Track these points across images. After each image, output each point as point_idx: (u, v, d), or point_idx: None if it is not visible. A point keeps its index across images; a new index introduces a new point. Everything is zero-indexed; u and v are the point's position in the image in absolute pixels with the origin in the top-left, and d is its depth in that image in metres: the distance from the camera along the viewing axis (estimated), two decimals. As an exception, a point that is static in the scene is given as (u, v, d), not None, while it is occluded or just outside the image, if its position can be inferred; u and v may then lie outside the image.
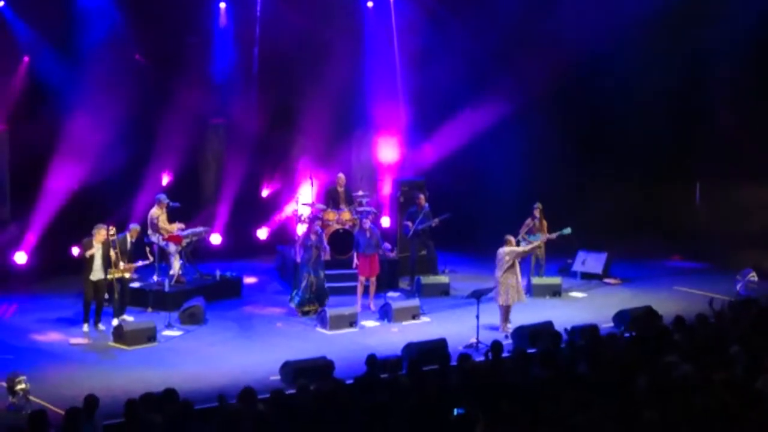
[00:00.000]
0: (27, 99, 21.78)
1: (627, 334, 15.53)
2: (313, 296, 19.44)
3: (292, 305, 19.57)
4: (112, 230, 18.15)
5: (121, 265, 18.25)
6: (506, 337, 17.12)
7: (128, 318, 18.58)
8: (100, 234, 17.88)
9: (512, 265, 18.40)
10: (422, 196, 22.06)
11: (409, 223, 21.87)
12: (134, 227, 18.93)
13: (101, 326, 18.08)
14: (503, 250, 18.47)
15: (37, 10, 21.45)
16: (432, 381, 12.69)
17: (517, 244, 21.15)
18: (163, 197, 20.34)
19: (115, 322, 18.10)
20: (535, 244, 20.17)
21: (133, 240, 18.83)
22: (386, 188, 25.15)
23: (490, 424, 10.48)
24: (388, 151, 25.82)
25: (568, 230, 20.96)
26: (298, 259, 20.13)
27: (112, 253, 18.00)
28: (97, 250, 17.88)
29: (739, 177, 24.11)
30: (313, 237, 19.53)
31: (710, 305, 15.99)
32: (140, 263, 19.00)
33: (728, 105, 24.13)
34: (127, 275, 18.65)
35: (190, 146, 23.81)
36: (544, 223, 21.29)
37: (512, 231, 21.30)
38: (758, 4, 23.00)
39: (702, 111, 24.68)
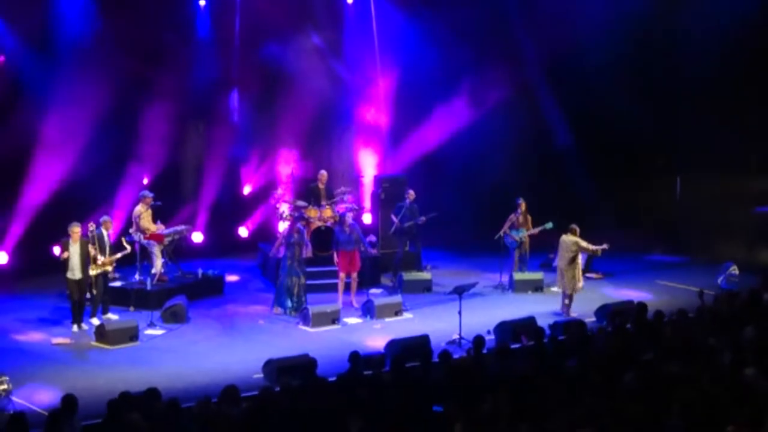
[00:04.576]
0: (6, 97, 21.64)
1: (609, 329, 15.51)
2: (296, 300, 19.36)
3: (278, 312, 19.44)
4: (92, 227, 18.13)
5: (101, 259, 18.24)
6: (488, 332, 17.10)
7: (113, 317, 18.53)
8: (76, 232, 17.82)
9: (575, 256, 18.93)
10: (411, 192, 22.00)
11: (394, 218, 21.87)
12: (106, 219, 18.79)
13: (84, 326, 18.01)
14: (569, 239, 18.99)
15: (13, 7, 21.33)
16: (415, 377, 12.69)
17: (500, 239, 21.35)
18: (146, 193, 20.24)
19: (94, 320, 18.07)
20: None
21: (109, 231, 18.76)
22: (367, 185, 25.15)
23: (469, 423, 10.47)
24: (369, 147, 25.84)
25: (550, 225, 21.13)
26: (280, 255, 20.05)
27: (91, 249, 17.96)
28: (74, 250, 17.81)
29: (719, 170, 24.19)
30: (295, 235, 19.47)
31: (700, 298, 16.07)
32: (119, 254, 18.91)
33: (708, 99, 24.17)
34: (109, 268, 18.60)
35: (171, 144, 23.73)
36: (528, 218, 21.45)
37: (493, 226, 21.47)
38: (735, 4, 23.04)
39: (682, 105, 24.71)
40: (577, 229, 19.18)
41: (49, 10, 21.87)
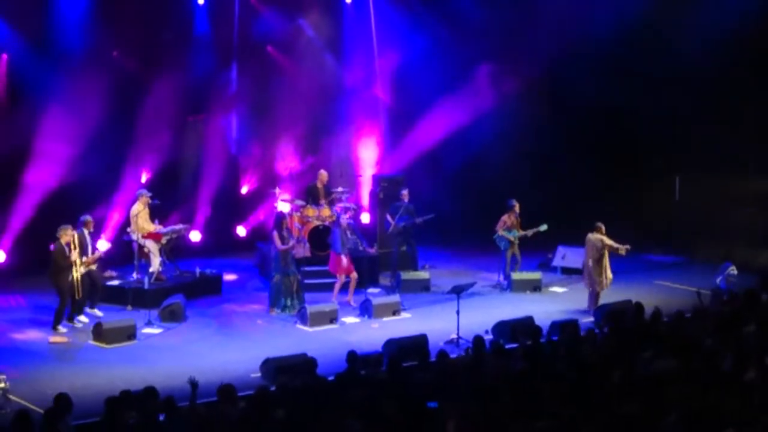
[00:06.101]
0: (5, 96, 21.63)
1: (606, 329, 15.50)
2: (295, 298, 19.29)
3: (275, 313, 19.31)
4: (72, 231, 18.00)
5: (84, 259, 18.15)
6: (486, 332, 17.07)
7: (98, 313, 18.52)
8: (67, 234, 17.75)
9: (602, 254, 19.24)
10: (405, 192, 22.02)
11: (390, 218, 21.87)
12: (87, 219, 18.62)
13: (77, 323, 18.03)
14: (594, 237, 19.30)
15: (14, 7, 21.32)
16: (412, 377, 12.65)
17: (497, 238, 21.39)
18: (144, 192, 20.19)
19: (83, 318, 18.13)
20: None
21: (91, 231, 18.65)
22: (366, 184, 25.14)
23: (463, 421, 10.44)
24: (367, 147, 25.83)
25: (544, 227, 21.17)
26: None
27: (74, 254, 17.89)
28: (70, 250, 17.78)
29: (718, 171, 24.19)
30: (285, 233, 19.37)
31: (698, 298, 16.06)
32: (99, 253, 18.79)
33: (708, 99, 24.16)
34: (93, 267, 18.51)
35: (169, 143, 23.74)
36: (519, 220, 21.45)
37: (492, 226, 21.46)
38: (736, 4, 23.04)
39: (682, 105, 24.70)
40: (603, 227, 19.37)
41: (48, 11, 21.85)
